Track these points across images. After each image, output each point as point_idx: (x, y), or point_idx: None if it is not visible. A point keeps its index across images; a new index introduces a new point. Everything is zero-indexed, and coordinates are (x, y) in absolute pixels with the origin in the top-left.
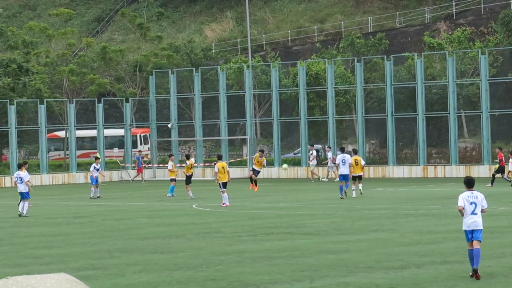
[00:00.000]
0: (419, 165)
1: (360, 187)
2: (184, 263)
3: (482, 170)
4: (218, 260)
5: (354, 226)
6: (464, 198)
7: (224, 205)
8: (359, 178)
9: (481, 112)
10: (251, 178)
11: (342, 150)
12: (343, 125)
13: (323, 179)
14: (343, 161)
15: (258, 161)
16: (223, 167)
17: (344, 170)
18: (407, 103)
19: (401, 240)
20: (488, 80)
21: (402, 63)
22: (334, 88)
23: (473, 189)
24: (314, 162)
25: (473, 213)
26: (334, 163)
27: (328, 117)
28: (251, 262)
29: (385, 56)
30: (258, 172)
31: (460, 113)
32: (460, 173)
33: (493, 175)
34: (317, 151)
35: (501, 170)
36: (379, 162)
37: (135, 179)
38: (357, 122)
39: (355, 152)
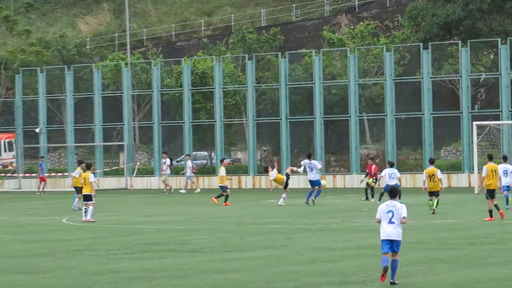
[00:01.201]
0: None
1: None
2: (52, 285)
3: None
4: (90, 280)
5: (243, 242)
6: (381, 208)
7: (87, 221)
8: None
9: (386, 115)
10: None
11: (309, 157)
12: (232, 130)
13: (180, 191)
14: (310, 167)
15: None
16: (84, 178)
17: (311, 176)
18: (304, 105)
19: (295, 258)
20: (393, 79)
21: (298, 60)
22: (223, 88)
23: (394, 199)
24: (168, 171)
25: (390, 222)
26: (195, 173)
27: (215, 121)
28: (127, 283)
29: (279, 53)
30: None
31: (362, 116)
32: (362, 182)
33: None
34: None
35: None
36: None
37: (44, 189)
38: (248, 127)
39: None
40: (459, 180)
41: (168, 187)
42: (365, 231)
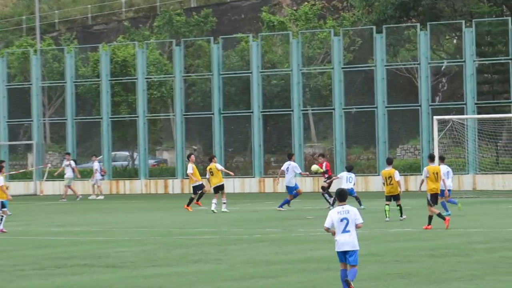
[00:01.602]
0: (254, 177)
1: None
2: None
3: (335, 181)
4: None
5: (170, 256)
6: (333, 215)
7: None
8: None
9: (333, 109)
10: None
11: (289, 157)
12: (157, 126)
13: (99, 197)
14: (287, 169)
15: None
16: None
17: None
18: (240, 97)
19: (230, 274)
20: (342, 68)
21: (233, 46)
22: (146, 79)
23: (345, 203)
24: (71, 175)
25: (344, 231)
26: (103, 175)
27: (138, 116)
28: None
29: (211, 38)
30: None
31: (307, 110)
32: (307, 186)
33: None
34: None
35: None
36: (204, 174)
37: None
38: (175, 123)
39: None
40: (418, 182)
41: (76, 195)
42: (310, 242)
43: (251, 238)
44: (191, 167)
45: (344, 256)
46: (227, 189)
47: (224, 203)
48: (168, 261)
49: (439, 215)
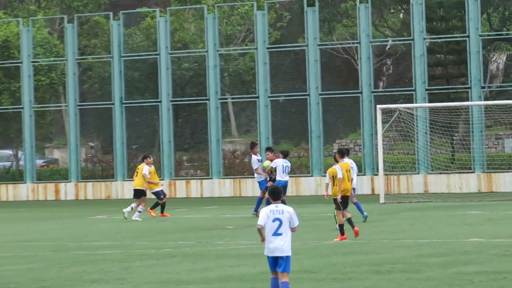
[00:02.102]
0: (163, 179)
1: None
2: None
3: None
4: None
5: (63, 275)
6: (267, 213)
7: None
8: None
9: (257, 97)
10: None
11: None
12: (46, 119)
13: None
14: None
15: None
16: None
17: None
18: (145, 84)
19: None
20: (267, 48)
21: (137, 23)
22: (33, 62)
23: (279, 202)
24: None
25: (276, 233)
26: None
27: (22, 107)
28: None
29: (111, 14)
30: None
31: (226, 98)
32: (226, 190)
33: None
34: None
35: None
36: (103, 176)
37: None
38: (68, 115)
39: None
40: (359, 184)
41: None
42: (231, 257)
43: (159, 253)
44: (147, 169)
45: (275, 262)
46: (130, 195)
47: (140, 211)
48: (60, 281)
49: (349, 220)
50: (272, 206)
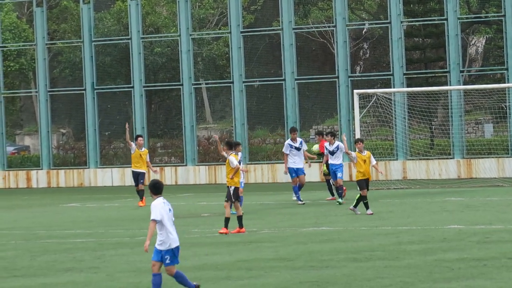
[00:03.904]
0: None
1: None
2: None
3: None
4: None
5: (35, 264)
6: (160, 206)
7: None
8: None
9: (232, 82)
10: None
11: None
12: (16, 106)
13: None
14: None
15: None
16: None
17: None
18: (117, 69)
19: (109, 285)
20: (241, 32)
21: (107, 7)
22: (1, 47)
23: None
24: None
25: (173, 224)
26: None
27: None
28: None
29: None
30: None
31: (200, 84)
32: (201, 178)
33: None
34: None
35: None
36: (75, 163)
37: None
38: (39, 100)
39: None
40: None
41: None
42: (206, 245)
43: (134, 241)
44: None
45: (169, 254)
46: (104, 183)
47: None
48: (33, 270)
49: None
50: (160, 199)
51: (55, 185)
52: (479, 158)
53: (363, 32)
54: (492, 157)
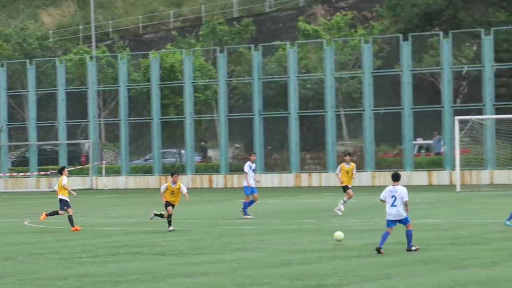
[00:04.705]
0: (291, 173)
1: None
2: None
3: (364, 178)
4: (54, 286)
5: (214, 245)
6: (387, 191)
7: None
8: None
9: (363, 110)
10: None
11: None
12: (202, 126)
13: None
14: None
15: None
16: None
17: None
18: (278, 100)
19: (269, 260)
20: (371, 73)
21: (272, 53)
22: (193, 83)
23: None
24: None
25: (393, 205)
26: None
27: (185, 117)
28: None
29: (252, 46)
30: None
31: (339, 111)
32: (338, 181)
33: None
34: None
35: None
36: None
37: None
38: (219, 123)
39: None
40: (440, 177)
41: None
42: (343, 232)
43: (288, 228)
44: (66, 180)
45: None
46: (266, 184)
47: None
48: (212, 249)
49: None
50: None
51: (230, 186)
52: None
53: (463, 73)
54: None
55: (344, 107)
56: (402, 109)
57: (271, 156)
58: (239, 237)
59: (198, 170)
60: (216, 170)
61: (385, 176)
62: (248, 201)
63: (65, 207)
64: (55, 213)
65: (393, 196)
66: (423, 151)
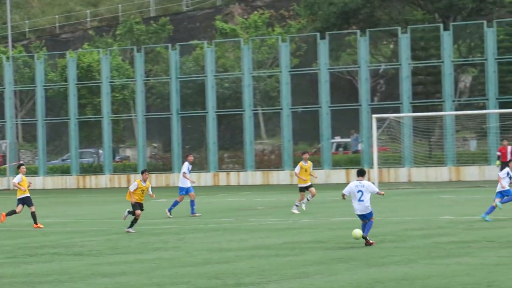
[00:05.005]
0: (209, 171)
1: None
2: None
3: (283, 176)
4: None
5: (132, 244)
6: (352, 186)
7: None
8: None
9: (281, 109)
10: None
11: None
12: (120, 126)
13: None
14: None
15: None
16: None
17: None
18: (195, 99)
19: (187, 260)
20: (289, 71)
21: (189, 52)
22: (110, 82)
23: (363, 178)
24: None
25: (360, 200)
26: None
27: (102, 117)
28: None
29: (169, 45)
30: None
31: (257, 110)
32: (257, 180)
33: None
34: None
35: None
36: (163, 169)
37: None
38: (137, 122)
39: None
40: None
41: None
42: (261, 231)
43: (207, 227)
44: (19, 178)
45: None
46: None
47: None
48: (130, 249)
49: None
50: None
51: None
52: (465, 166)
53: (380, 72)
54: (476, 165)
55: (262, 105)
56: (320, 107)
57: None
58: (158, 237)
59: (116, 170)
60: (134, 169)
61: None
62: (181, 200)
63: None
64: None
65: (360, 191)
66: (341, 149)
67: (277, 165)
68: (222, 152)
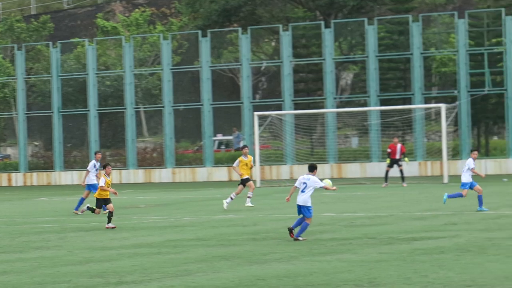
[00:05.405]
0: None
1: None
2: None
3: (164, 174)
4: None
5: (13, 243)
6: (300, 178)
7: None
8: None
9: (163, 106)
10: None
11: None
12: (0, 124)
13: None
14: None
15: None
16: None
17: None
18: (77, 97)
19: (69, 258)
20: (171, 69)
21: (70, 50)
22: None
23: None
24: None
25: (302, 191)
26: None
27: None
28: None
29: (50, 43)
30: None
31: (139, 108)
32: (139, 178)
33: None
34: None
35: None
36: (44, 167)
37: None
38: (18, 121)
39: None
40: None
41: None
42: (143, 229)
43: (89, 226)
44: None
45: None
46: (66, 182)
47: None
48: (11, 248)
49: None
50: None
51: (29, 184)
52: (347, 163)
53: (262, 69)
54: (357, 162)
55: (143, 103)
56: (201, 105)
57: (70, 153)
58: (39, 235)
59: None
60: (15, 168)
61: (185, 173)
62: (86, 197)
63: None
64: None
65: (304, 183)
66: (223, 147)
67: (159, 163)
68: (105, 150)
